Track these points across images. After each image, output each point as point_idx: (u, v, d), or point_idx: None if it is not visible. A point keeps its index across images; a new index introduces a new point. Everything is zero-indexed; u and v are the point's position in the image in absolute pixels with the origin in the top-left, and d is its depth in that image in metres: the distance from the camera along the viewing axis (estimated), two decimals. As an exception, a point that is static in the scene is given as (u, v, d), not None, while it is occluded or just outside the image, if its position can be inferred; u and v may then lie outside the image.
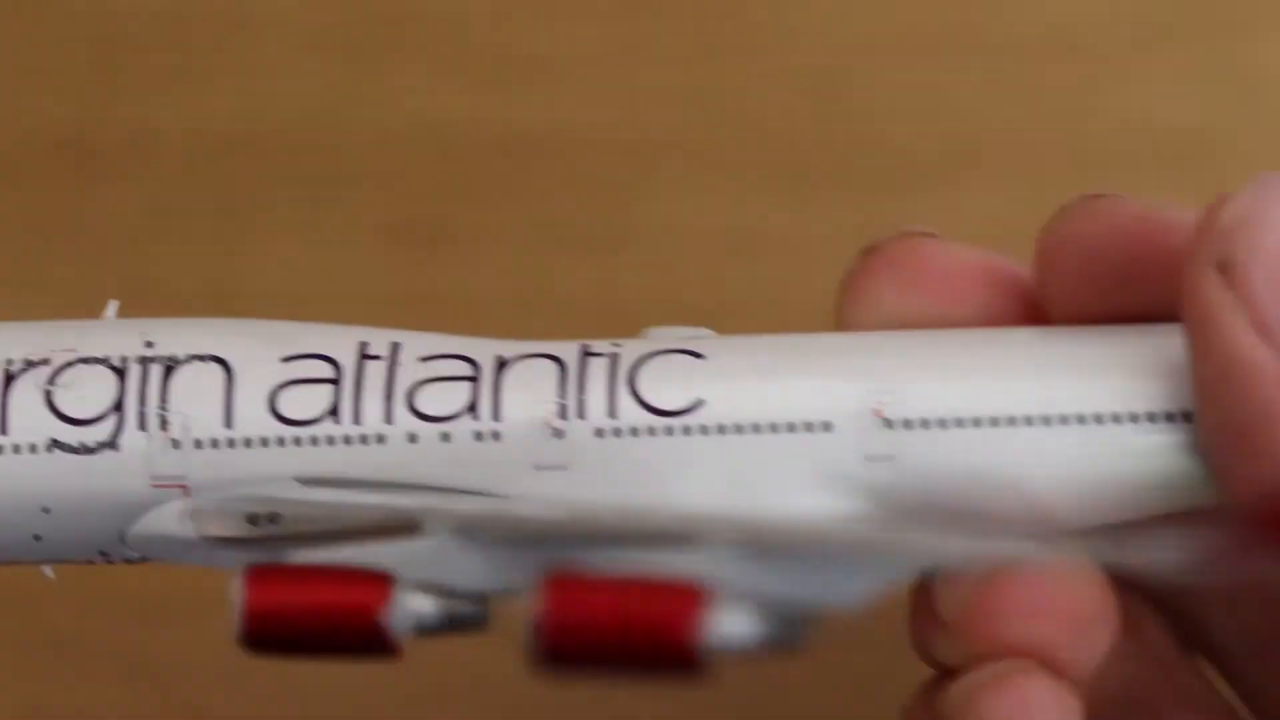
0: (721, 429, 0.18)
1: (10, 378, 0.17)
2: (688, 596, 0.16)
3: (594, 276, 0.30)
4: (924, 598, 0.19)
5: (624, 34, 0.32)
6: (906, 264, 0.20)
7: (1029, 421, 0.18)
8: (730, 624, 0.16)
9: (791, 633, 0.17)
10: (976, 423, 0.18)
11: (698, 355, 0.18)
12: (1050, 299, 0.19)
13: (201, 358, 0.17)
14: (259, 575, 0.16)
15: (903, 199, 0.30)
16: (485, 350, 0.18)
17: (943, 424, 0.18)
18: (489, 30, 0.31)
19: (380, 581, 0.16)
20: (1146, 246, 0.19)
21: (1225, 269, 0.17)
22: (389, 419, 0.17)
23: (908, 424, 0.18)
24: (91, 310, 0.26)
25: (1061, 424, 0.18)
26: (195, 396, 0.17)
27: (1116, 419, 0.18)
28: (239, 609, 0.16)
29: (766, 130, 0.32)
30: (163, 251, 0.30)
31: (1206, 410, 0.17)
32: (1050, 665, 0.18)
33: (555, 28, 0.31)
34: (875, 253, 0.20)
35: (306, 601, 0.17)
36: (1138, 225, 0.19)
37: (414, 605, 0.16)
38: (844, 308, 0.20)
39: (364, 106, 0.31)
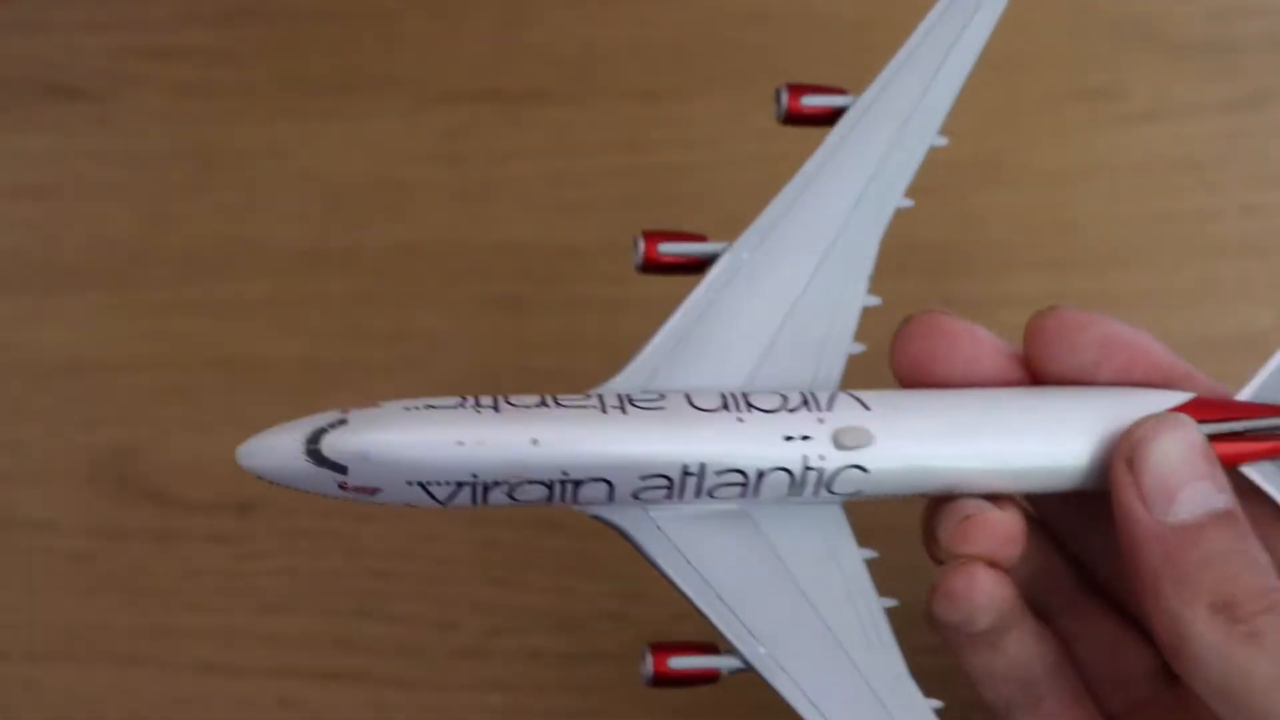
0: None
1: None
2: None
3: (607, 323, 0.32)
4: (929, 530, 0.21)
5: (623, 190, 0.34)
6: (943, 338, 0.21)
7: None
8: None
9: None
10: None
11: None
12: (1040, 367, 0.21)
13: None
14: (661, 650, 0.20)
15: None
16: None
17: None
18: (547, 190, 0.34)
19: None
20: (1110, 348, 0.21)
21: (1129, 464, 0.20)
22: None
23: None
24: (326, 343, 0.32)
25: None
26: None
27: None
28: (650, 670, 0.19)
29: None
30: (365, 312, 0.33)
31: (1120, 537, 0.20)
32: (990, 562, 0.20)
33: (582, 186, 0.34)
34: (916, 322, 0.21)
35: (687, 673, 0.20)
36: (1106, 335, 0.21)
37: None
38: (898, 362, 0.21)
39: (479, 230, 0.34)
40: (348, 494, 0.19)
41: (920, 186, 0.32)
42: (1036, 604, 0.23)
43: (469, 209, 0.34)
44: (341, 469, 0.18)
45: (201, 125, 0.35)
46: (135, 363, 0.32)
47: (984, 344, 0.21)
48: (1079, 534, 0.24)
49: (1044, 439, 0.20)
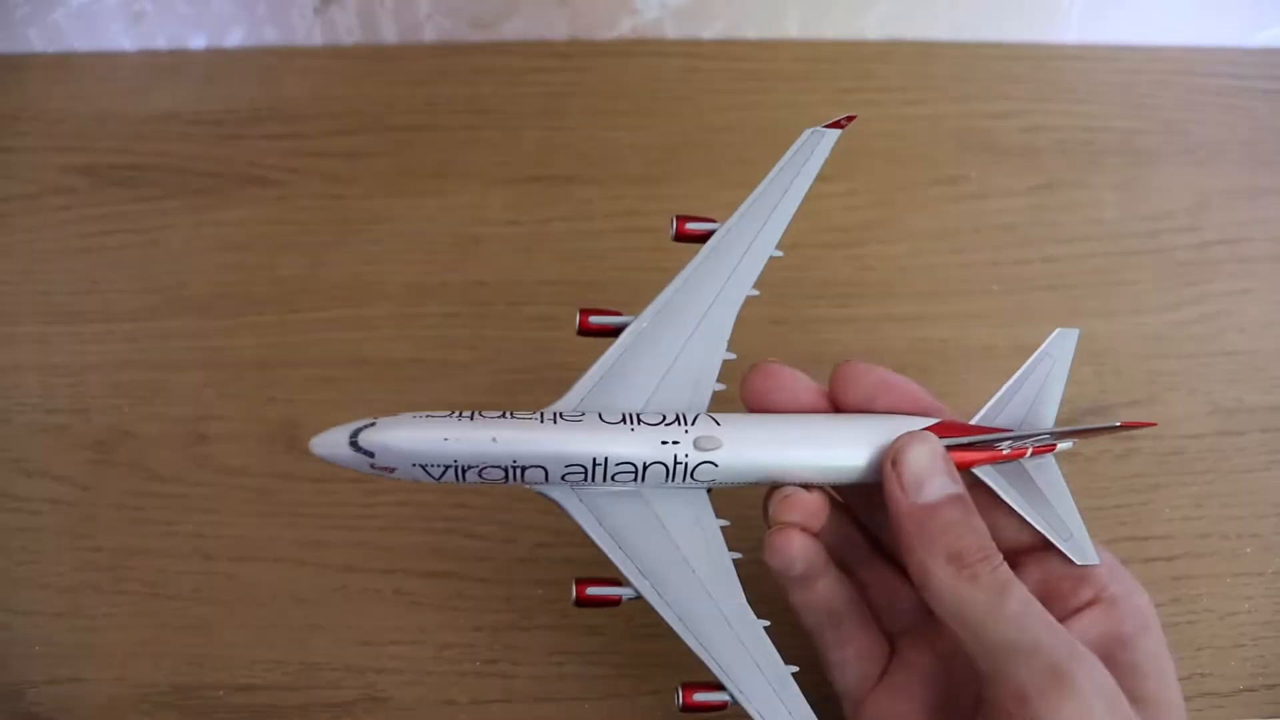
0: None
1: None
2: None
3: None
4: (766, 507, 0.21)
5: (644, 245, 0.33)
6: (774, 379, 0.22)
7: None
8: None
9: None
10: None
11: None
12: (838, 400, 0.22)
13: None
14: (581, 582, 0.20)
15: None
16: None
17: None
18: (575, 244, 0.33)
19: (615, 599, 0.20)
20: (883, 388, 0.22)
21: (893, 464, 0.20)
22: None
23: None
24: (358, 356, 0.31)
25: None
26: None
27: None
28: (575, 595, 0.20)
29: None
30: (452, 326, 0.32)
31: (889, 513, 0.20)
32: (802, 528, 0.21)
33: (599, 241, 0.34)
34: (756, 369, 0.22)
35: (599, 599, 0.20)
36: (881, 379, 0.22)
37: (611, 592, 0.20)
38: (744, 395, 0.22)
39: (529, 271, 0.33)
40: (375, 470, 0.19)
41: (829, 241, 0.35)
42: (841, 560, 0.23)
43: (522, 256, 0.34)
44: (370, 454, 0.19)
45: (344, 201, 0.35)
46: (299, 361, 0.32)
47: (800, 383, 0.22)
48: (869, 513, 0.24)
49: (839, 447, 0.21)
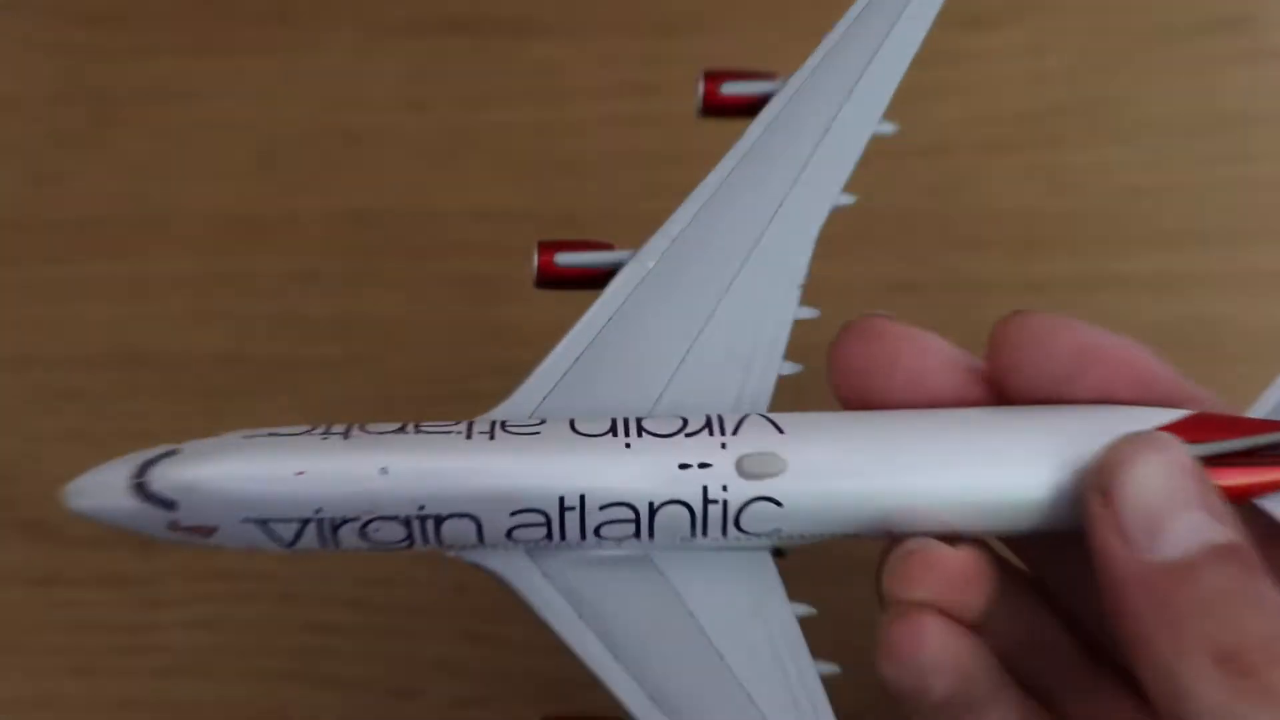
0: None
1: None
2: None
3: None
4: (879, 578, 0.19)
5: (628, 141, 0.30)
6: (884, 347, 0.19)
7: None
8: None
9: None
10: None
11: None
12: (1005, 382, 0.19)
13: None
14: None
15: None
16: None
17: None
18: (534, 145, 0.30)
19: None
20: (1087, 357, 0.19)
21: (1104, 495, 0.17)
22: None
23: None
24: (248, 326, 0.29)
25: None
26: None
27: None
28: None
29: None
30: (305, 295, 0.29)
31: (1101, 582, 0.17)
32: (943, 611, 0.18)
33: (578, 139, 0.30)
34: (852, 330, 0.20)
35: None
36: (1082, 343, 0.19)
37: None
38: (834, 377, 0.19)
39: (447, 194, 0.30)
40: (180, 535, 0.17)
41: (999, 141, 0.30)
42: (1030, 681, 0.20)
43: (435, 168, 0.30)
44: (170, 504, 0.17)
45: (98, 61, 0.31)
46: (11, 358, 0.28)
47: (933, 354, 0.19)
48: (1077, 589, 0.21)
49: (1002, 465, 0.18)
